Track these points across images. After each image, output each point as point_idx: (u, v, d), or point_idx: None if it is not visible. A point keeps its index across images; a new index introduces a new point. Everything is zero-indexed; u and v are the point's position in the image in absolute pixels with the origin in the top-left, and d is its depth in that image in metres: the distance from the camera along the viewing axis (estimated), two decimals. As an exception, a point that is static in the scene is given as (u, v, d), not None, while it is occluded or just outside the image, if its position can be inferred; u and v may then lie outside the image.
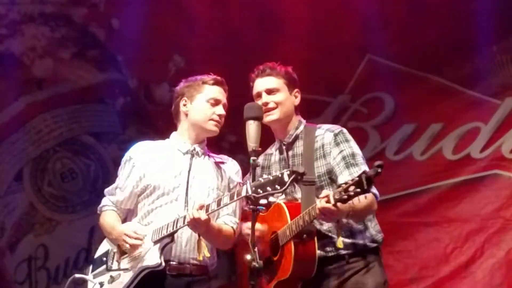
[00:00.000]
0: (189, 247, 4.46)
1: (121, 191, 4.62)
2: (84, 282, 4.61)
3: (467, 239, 6.76)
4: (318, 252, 4.29)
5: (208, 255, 4.37)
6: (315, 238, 4.29)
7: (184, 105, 4.62)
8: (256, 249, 3.97)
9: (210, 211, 4.25)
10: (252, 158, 4.06)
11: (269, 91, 4.52)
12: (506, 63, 6.83)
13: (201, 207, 4.25)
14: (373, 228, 4.47)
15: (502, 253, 6.64)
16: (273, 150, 4.68)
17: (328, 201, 4.01)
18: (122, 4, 7.54)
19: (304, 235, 4.24)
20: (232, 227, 4.54)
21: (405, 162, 7.05)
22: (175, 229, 4.33)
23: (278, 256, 4.37)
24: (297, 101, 4.60)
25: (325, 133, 4.48)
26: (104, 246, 4.64)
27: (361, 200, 4.01)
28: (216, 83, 4.61)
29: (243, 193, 4.06)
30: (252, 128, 4.13)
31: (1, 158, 7.73)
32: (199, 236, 4.35)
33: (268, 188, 3.95)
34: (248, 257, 3.97)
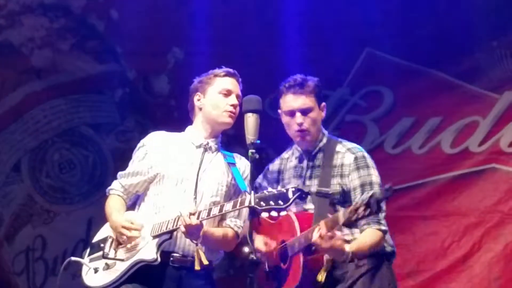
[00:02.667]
0: None
1: (131, 175, 4.64)
2: (79, 265, 4.60)
3: (465, 233, 6.76)
4: (326, 256, 4.30)
5: (206, 263, 4.34)
6: None
7: (198, 100, 4.64)
8: (253, 243, 3.99)
9: (200, 218, 4.26)
10: (250, 151, 4.06)
11: (304, 112, 4.54)
12: (506, 57, 6.83)
13: (193, 214, 4.26)
14: (384, 241, 4.49)
15: (500, 247, 6.64)
16: (289, 154, 4.71)
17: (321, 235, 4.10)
18: (121, -5, 7.55)
19: (313, 247, 4.24)
20: (236, 231, 4.55)
21: (404, 155, 7.05)
22: (174, 227, 4.33)
23: (287, 265, 4.38)
24: (323, 114, 4.63)
25: (345, 152, 4.52)
26: (104, 231, 4.64)
27: (366, 239, 4.24)
28: (227, 74, 4.62)
29: (246, 203, 4.05)
30: (250, 121, 4.11)
31: (-1, 149, 7.74)
32: (197, 245, 4.34)
33: (271, 203, 3.95)
34: (246, 249, 3.97)
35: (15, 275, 7.62)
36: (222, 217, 4.53)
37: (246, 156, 4.15)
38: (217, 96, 4.58)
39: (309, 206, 4.44)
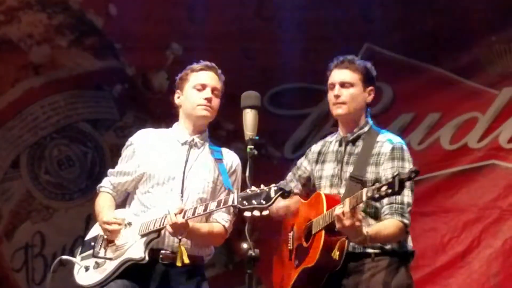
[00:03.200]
0: None
1: (120, 174, 4.65)
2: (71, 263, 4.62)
3: (464, 229, 6.77)
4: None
5: (187, 261, 4.34)
6: None
7: (178, 97, 4.63)
8: (252, 238, 3.98)
9: (186, 217, 4.27)
10: (249, 147, 4.05)
11: (343, 84, 4.49)
12: (505, 53, 6.83)
13: (180, 212, 4.27)
14: (404, 239, 4.45)
15: (499, 243, 6.65)
16: (333, 138, 4.65)
17: (343, 211, 4.06)
18: (119, -9, 7.54)
19: (336, 228, 4.20)
20: (223, 225, 4.53)
21: (403, 151, 7.04)
22: (162, 226, 4.33)
23: (309, 243, 4.37)
24: (369, 99, 4.54)
25: (385, 142, 4.45)
26: (95, 230, 4.65)
27: (386, 227, 4.19)
28: (203, 68, 4.59)
29: (229, 203, 4.09)
30: (249, 117, 4.10)
31: (-2, 145, 7.74)
32: (180, 241, 4.35)
33: (254, 202, 3.95)
34: (245, 245, 3.97)
35: (14, 271, 7.63)
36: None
37: (245, 152, 4.13)
38: (191, 91, 4.55)
39: (342, 190, 4.42)
